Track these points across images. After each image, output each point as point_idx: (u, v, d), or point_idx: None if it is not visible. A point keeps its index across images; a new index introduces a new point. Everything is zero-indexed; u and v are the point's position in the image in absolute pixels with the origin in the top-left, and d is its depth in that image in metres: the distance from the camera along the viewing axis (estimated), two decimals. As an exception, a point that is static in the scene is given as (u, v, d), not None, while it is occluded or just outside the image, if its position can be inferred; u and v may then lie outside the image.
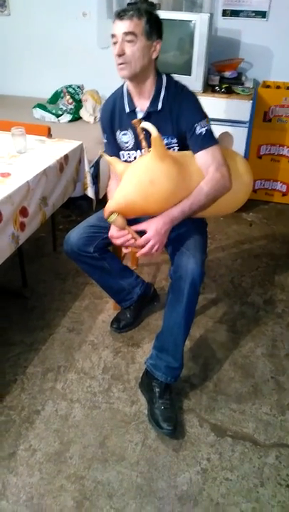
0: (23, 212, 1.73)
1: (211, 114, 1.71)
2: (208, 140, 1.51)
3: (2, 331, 1.99)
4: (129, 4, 1.48)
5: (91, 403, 1.68)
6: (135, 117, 1.58)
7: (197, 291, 1.52)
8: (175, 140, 1.57)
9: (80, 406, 1.67)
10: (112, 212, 1.47)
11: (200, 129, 1.50)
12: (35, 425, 1.59)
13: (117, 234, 1.54)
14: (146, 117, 1.55)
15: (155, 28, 1.46)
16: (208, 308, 2.18)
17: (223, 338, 2.00)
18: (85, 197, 2.35)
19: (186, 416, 1.64)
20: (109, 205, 1.49)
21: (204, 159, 1.50)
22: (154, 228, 1.45)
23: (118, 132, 1.66)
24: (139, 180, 1.44)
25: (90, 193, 2.28)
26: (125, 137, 1.64)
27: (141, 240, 1.47)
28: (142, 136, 1.50)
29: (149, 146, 1.46)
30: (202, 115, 1.53)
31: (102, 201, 2.58)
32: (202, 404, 1.69)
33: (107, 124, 1.68)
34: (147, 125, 1.41)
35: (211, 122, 1.57)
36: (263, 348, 1.95)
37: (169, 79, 1.57)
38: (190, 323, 1.58)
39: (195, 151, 1.52)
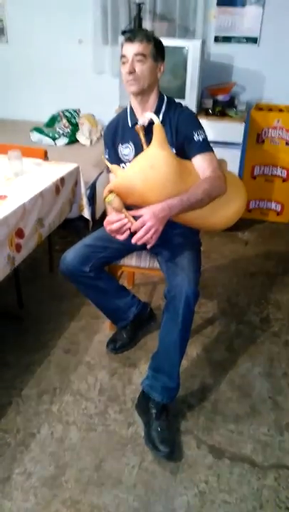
0: (19, 233, 1.75)
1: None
2: (206, 146, 1.60)
3: (-2, 353, 1.98)
4: (130, 31, 1.59)
5: (87, 425, 1.66)
6: (137, 132, 1.62)
7: (192, 310, 1.52)
8: (174, 150, 1.61)
9: (75, 428, 1.65)
10: (110, 192, 1.47)
11: (198, 137, 1.59)
12: (30, 448, 1.57)
13: (113, 218, 1.50)
14: (147, 128, 1.60)
15: (160, 51, 1.60)
16: (205, 327, 2.18)
17: (219, 358, 2.00)
18: (81, 218, 2.37)
19: (184, 437, 1.62)
20: (109, 185, 1.51)
21: (201, 163, 1.57)
22: (151, 211, 1.43)
23: (120, 146, 1.72)
24: (140, 165, 1.50)
25: (87, 214, 2.31)
26: (126, 150, 1.71)
27: (137, 223, 1.43)
28: (143, 140, 1.57)
29: None
30: (199, 126, 1.63)
31: (99, 222, 2.60)
32: (200, 425, 1.67)
33: (110, 139, 1.75)
34: (151, 115, 1.52)
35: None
36: (260, 368, 1.94)
37: (170, 98, 1.70)
38: (186, 343, 1.58)
39: (193, 155, 1.59)
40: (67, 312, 2.25)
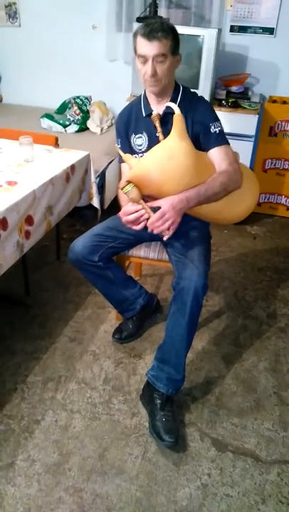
0: (29, 220, 1.74)
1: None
2: (222, 139, 1.59)
3: (3, 339, 1.98)
4: (146, 19, 1.54)
5: (91, 414, 1.66)
6: (151, 122, 1.61)
7: (200, 303, 1.51)
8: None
9: (80, 417, 1.65)
10: (128, 182, 1.45)
11: (214, 129, 1.57)
12: (34, 435, 1.57)
13: (130, 208, 1.49)
14: (163, 118, 1.59)
15: (178, 42, 1.54)
16: (211, 320, 2.17)
17: (225, 352, 1.99)
18: (90, 206, 2.36)
19: (187, 430, 1.62)
20: (127, 175, 1.50)
21: (218, 155, 1.56)
22: (170, 203, 1.43)
23: (133, 136, 1.70)
24: (158, 155, 1.48)
25: (96, 202, 2.29)
26: (139, 140, 1.69)
27: (156, 214, 1.42)
28: (159, 130, 1.55)
29: None
30: (216, 117, 1.61)
31: (108, 211, 2.58)
32: (203, 418, 1.67)
33: (122, 128, 1.72)
34: (171, 104, 1.50)
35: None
36: (266, 363, 1.94)
37: (185, 88, 1.66)
38: (192, 335, 1.58)
39: (209, 148, 1.57)
40: (74, 301, 2.25)
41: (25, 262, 2.20)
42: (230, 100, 2.84)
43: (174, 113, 1.49)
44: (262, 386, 1.82)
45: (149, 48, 1.47)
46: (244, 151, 2.78)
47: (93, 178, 2.24)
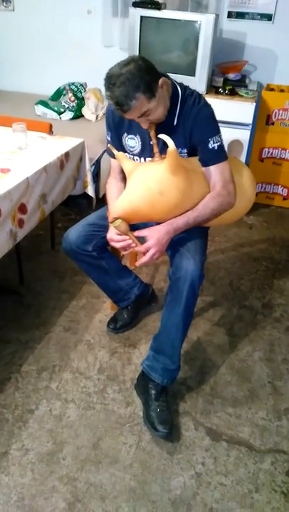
0: (22, 208, 1.71)
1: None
2: (219, 156, 1.51)
3: (-3, 328, 1.97)
4: (113, 86, 1.33)
5: (86, 404, 1.66)
6: None
7: (196, 293, 1.50)
8: (185, 150, 1.56)
9: (74, 406, 1.65)
10: (116, 218, 1.46)
11: (212, 145, 1.48)
12: (28, 424, 1.57)
13: (117, 238, 1.53)
14: (158, 126, 1.51)
15: (153, 81, 1.36)
16: (206, 310, 2.17)
17: (220, 341, 1.99)
18: (85, 195, 2.33)
19: (182, 419, 1.62)
20: (115, 210, 1.47)
21: (213, 174, 1.51)
22: (156, 237, 1.44)
23: (125, 135, 1.61)
24: (149, 188, 1.42)
25: (91, 191, 2.27)
26: (132, 141, 1.61)
27: (141, 248, 1.47)
28: (154, 141, 1.48)
29: (162, 152, 1.46)
30: (215, 130, 1.50)
31: (102, 200, 2.56)
32: (198, 408, 1.67)
33: (113, 125, 1.61)
34: (165, 138, 1.39)
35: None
36: (261, 352, 1.94)
37: (184, 91, 1.50)
38: (188, 325, 1.57)
39: (204, 165, 1.52)
40: (68, 290, 2.24)
41: (19, 251, 2.18)
42: (227, 88, 2.80)
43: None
44: (256, 376, 1.82)
45: (128, 116, 1.40)
46: (241, 139, 2.77)
47: (88, 166, 2.21)
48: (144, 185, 1.43)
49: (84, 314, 2.09)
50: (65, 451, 1.49)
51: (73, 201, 2.68)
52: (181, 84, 1.52)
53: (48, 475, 1.42)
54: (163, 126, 1.47)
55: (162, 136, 1.40)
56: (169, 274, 1.55)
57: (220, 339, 2.00)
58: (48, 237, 2.57)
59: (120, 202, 1.47)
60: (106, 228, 1.70)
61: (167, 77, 1.50)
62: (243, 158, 2.82)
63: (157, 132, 1.46)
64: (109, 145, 1.62)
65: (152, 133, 1.48)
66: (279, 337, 2.03)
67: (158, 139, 1.46)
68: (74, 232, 1.70)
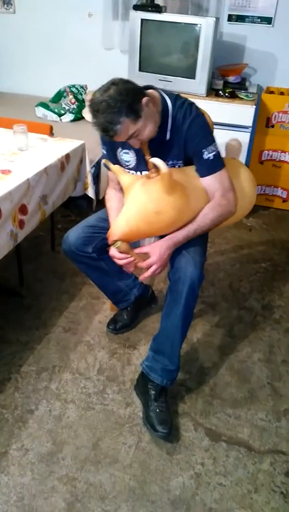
0: (23, 209, 1.72)
1: (213, 118, 1.71)
2: (215, 165, 1.49)
3: (-2, 329, 1.98)
4: (96, 112, 1.33)
5: (85, 404, 1.66)
6: None
7: (196, 294, 1.50)
8: (181, 161, 1.55)
9: (74, 407, 1.65)
10: (116, 240, 1.47)
11: (207, 155, 1.47)
12: (28, 425, 1.57)
13: (120, 255, 1.53)
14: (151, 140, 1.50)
15: (136, 102, 1.33)
16: (206, 312, 2.17)
17: (220, 343, 1.99)
18: (85, 197, 2.34)
19: (181, 420, 1.63)
20: (114, 233, 1.48)
21: (211, 184, 1.50)
22: (157, 253, 1.46)
23: (119, 150, 1.59)
24: (145, 209, 1.42)
25: (91, 192, 2.27)
26: (126, 156, 1.59)
27: (144, 265, 1.49)
28: (148, 157, 1.48)
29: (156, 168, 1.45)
30: (210, 140, 1.48)
31: (103, 201, 2.56)
32: (197, 408, 1.67)
33: (108, 139, 1.54)
34: (157, 161, 1.36)
35: (214, 126, 1.55)
36: (260, 354, 1.94)
37: (175, 102, 1.47)
38: (187, 326, 1.57)
39: (201, 176, 1.51)
40: (68, 291, 2.24)
41: (19, 252, 2.19)
42: (227, 90, 2.81)
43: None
44: (256, 377, 1.83)
45: (117, 139, 1.38)
46: (240, 142, 2.77)
47: (88, 168, 2.22)
48: (141, 206, 1.43)
49: (84, 315, 2.10)
50: (64, 451, 1.50)
51: (73, 203, 2.69)
52: (170, 95, 1.48)
53: (48, 475, 1.42)
54: (155, 142, 1.46)
55: (154, 160, 1.37)
56: (168, 275, 1.56)
57: (219, 340, 2.00)
58: (48, 238, 2.57)
59: (118, 224, 1.48)
60: (106, 230, 1.70)
61: (155, 89, 1.49)
62: (242, 159, 2.83)
63: (150, 148, 1.47)
64: (104, 160, 1.61)
65: (145, 149, 1.48)
66: (278, 338, 2.03)
67: (151, 154, 1.46)
68: (74, 234, 1.70)
